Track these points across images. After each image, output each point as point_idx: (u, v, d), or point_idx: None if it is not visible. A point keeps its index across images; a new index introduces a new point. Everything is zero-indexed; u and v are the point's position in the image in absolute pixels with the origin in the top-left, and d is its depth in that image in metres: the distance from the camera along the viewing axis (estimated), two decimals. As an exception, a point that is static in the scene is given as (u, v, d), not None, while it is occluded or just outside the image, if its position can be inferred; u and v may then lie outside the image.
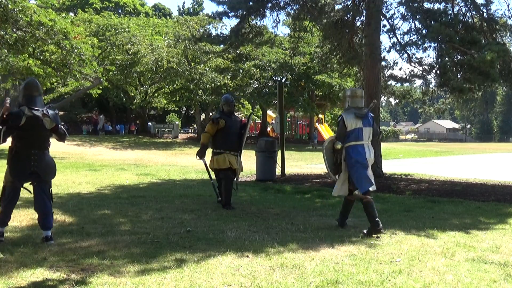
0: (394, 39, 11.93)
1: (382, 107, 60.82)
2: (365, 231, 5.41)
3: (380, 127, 14.29)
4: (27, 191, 4.86)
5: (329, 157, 5.74)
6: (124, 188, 9.43)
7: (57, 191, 8.54)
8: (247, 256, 4.32)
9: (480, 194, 9.22)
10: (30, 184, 4.82)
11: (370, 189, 5.55)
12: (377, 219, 5.37)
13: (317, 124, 40.22)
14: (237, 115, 8.01)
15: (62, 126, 4.94)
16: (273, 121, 32.38)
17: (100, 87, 21.57)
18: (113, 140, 28.55)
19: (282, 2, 12.01)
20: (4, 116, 4.48)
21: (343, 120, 5.61)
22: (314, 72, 28.49)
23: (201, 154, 7.37)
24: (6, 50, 15.75)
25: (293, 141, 32.92)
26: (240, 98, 32.35)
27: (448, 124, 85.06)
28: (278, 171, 11.76)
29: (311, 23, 13.14)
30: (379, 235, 5.30)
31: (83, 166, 14.44)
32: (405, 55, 11.82)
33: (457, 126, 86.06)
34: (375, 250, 4.67)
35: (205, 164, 7.54)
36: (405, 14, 11.48)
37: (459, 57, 11.05)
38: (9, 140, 4.71)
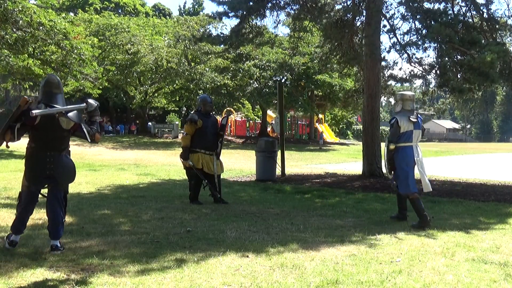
0: (394, 39, 11.93)
1: (382, 107, 60.85)
2: (414, 223, 5.90)
3: (380, 127, 14.35)
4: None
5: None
6: (124, 188, 9.43)
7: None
8: (247, 256, 4.32)
9: (480, 194, 9.22)
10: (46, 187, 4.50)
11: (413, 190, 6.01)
12: (425, 213, 5.87)
13: (317, 124, 40.22)
14: (214, 115, 8.10)
15: (92, 125, 4.50)
16: (273, 121, 32.37)
17: (100, 87, 21.54)
18: (113, 140, 28.56)
19: (282, 2, 12.01)
20: (22, 109, 4.13)
21: (397, 122, 5.97)
22: (314, 72, 28.49)
23: (185, 156, 7.49)
24: (6, 50, 15.75)
25: (293, 141, 32.93)
26: (240, 98, 32.35)
27: (448, 124, 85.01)
28: (278, 171, 11.76)
29: (311, 23, 13.13)
30: (427, 227, 5.73)
31: (83, 166, 14.43)
32: (405, 55, 11.82)
33: (457, 126, 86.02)
34: (375, 250, 4.67)
35: (193, 166, 7.49)
36: (405, 14, 11.48)
37: (459, 57, 11.05)
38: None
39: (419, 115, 6.12)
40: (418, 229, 5.72)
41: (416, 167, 6.05)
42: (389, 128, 6.24)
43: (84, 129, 4.41)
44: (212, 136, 7.54)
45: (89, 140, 4.48)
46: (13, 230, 4.44)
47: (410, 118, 5.95)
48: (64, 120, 4.32)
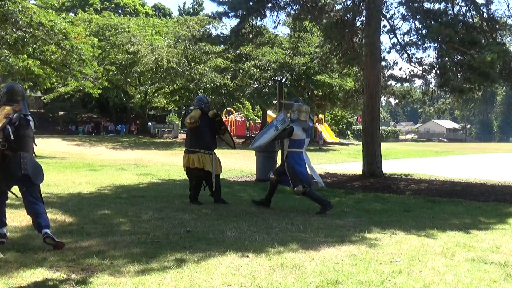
0: (394, 39, 11.95)
1: (382, 107, 60.82)
2: (317, 211, 6.75)
3: (380, 127, 14.37)
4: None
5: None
6: (124, 188, 9.43)
7: (57, 191, 8.55)
8: (247, 256, 4.31)
9: (480, 194, 9.23)
10: (19, 191, 4.67)
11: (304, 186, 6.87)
12: (325, 199, 6.93)
13: (317, 124, 40.24)
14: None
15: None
16: (273, 121, 32.22)
17: (100, 87, 21.50)
18: (113, 140, 28.58)
19: (282, 2, 12.01)
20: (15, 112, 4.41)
21: (292, 131, 6.77)
22: (314, 72, 28.47)
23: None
24: (6, 50, 15.75)
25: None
26: (240, 98, 32.32)
27: (448, 124, 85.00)
28: (278, 171, 11.73)
29: (311, 23, 13.14)
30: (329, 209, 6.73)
31: (83, 166, 14.43)
32: (405, 55, 11.84)
33: (457, 126, 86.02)
34: (375, 250, 4.66)
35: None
36: (405, 14, 11.50)
37: (459, 57, 11.06)
38: None
39: (310, 124, 7.05)
40: (321, 214, 6.62)
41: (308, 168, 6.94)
42: (281, 129, 6.94)
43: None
44: (210, 136, 7.56)
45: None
46: None
47: (304, 129, 6.86)
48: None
